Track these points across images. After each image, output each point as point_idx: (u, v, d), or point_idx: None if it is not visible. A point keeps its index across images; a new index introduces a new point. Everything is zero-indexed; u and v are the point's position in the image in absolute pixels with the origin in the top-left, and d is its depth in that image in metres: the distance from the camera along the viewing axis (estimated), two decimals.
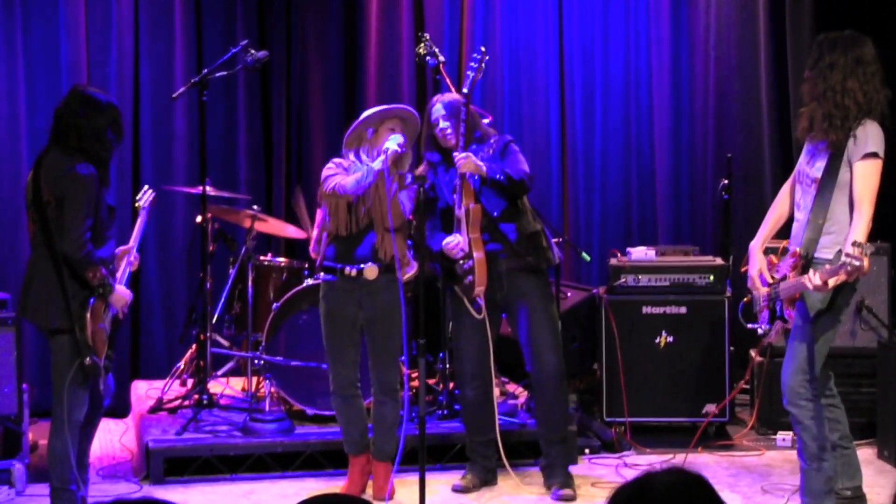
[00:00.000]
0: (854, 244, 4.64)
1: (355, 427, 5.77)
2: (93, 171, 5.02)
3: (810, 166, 5.11)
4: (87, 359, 5.02)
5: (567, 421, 6.02)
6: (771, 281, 5.21)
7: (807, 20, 7.90)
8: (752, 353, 6.93)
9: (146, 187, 5.74)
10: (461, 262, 5.75)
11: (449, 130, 5.82)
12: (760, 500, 5.85)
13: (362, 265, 5.60)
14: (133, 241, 5.41)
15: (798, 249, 5.05)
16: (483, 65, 5.76)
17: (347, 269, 5.60)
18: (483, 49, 5.81)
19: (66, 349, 5.05)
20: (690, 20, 8.43)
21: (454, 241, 5.74)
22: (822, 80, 5.02)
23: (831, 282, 4.78)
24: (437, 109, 5.89)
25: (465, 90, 5.75)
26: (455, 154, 5.69)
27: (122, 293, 5.20)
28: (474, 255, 5.70)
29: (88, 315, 5.03)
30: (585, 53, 8.39)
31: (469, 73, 5.77)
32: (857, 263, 4.60)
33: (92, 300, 5.05)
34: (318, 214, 6.76)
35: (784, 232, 5.37)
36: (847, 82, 4.97)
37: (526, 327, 5.80)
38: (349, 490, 5.73)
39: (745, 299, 5.53)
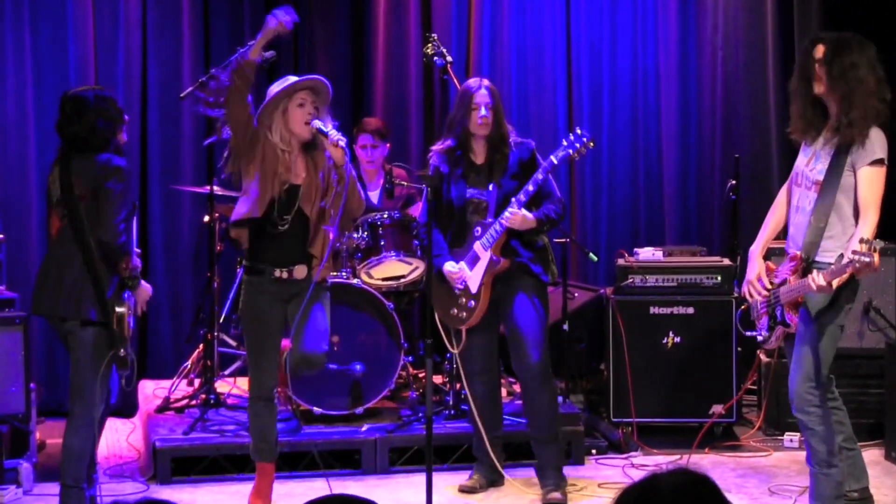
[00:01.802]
0: (862, 241, 4.62)
1: (272, 432, 5.57)
2: (125, 164, 5.17)
3: (810, 168, 5.10)
4: (122, 350, 5.06)
5: (555, 421, 5.87)
6: (770, 286, 5.19)
7: (815, 20, 7.88)
8: (759, 353, 6.93)
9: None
10: (461, 298, 5.69)
11: (490, 118, 5.61)
12: (767, 502, 5.84)
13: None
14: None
15: (798, 253, 5.03)
16: (585, 150, 5.53)
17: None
18: (593, 140, 5.57)
19: (94, 342, 5.07)
20: (698, 20, 8.42)
21: (458, 274, 5.66)
22: (851, 81, 4.96)
23: (835, 282, 4.77)
24: (483, 94, 5.64)
25: (553, 159, 5.56)
26: (507, 212, 5.52)
27: (145, 286, 5.26)
28: (481, 299, 5.64)
29: (124, 308, 5.08)
30: (593, 53, 8.38)
31: (569, 150, 5.54)
32: (866, 260, 4.56)
33: (126, 293, 5.10)
34: None
35: (784, 234, 5.37)
36: (869, 83, 4.95)
37: (513, 323, 5.71)
38: (262, 500, 5.61)
39: (743, 307, 5.51)
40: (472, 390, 5.89)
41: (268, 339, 5.43)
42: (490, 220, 5.64)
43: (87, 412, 5.12)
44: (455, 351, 5.70)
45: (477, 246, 5.65)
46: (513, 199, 5.56)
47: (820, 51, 5.06)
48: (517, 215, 5.52)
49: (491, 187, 5.67)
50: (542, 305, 5.76)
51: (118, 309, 5.07)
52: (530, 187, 5.55)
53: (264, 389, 5.48)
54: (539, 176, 5.56)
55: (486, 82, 5.72)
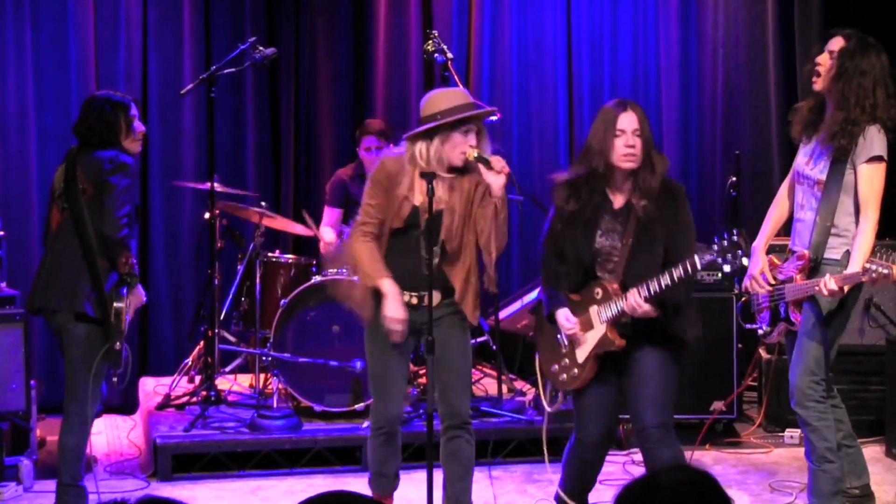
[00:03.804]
0: (875, 254, 4.68)
1: (392, 464, 5.13)
2: (132, 161, 5.18)
3: (811, 167, 5.10)
4: (118, 343, 5.05)
5: None
6: (773, 282, 5.20)
7: (815, 18, 7.89)
8: (760, 350, 6.93)
9: None
10: (565, 359, 4.86)
11: (638, 150, 4.62)
12: (768, 498, 5.84)
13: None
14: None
15: (806, 252, 5.04)
16: (738, 264, 4.55)
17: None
18: (746, 255, 4.68)
19: (87, 338, 5.07)
20: (699, 18, 8.42)
21: (571, 330, 4.76)
22: (854, 86, 4.94)
23: (846, 288, 4.79)
24: (628, 120, 4.64)
25: (697, 260, 4.50)
26: (632, 300, 4.58)
27: (140, 292, 5.25)
28: (586, 370, 4.79)
29: (123, 304, 5.08)
30: (594, 50, 8.38)
31: (717, 259, 4.52)
32: (884, 272, 4.66)
33: (124, 289, 5.10)
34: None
35: (785, 229, 5.37)
36: (877, 93, 4.95)
37: (634, 382, 4.80)
38: None
39: (743, 299, 5.52)
40: (577, 453, 5.00)
41: (395, 364, 4.94)
42: (615, 286, 4.69)
43: (82, 410, 5.12)
44: (549, 409, 5.06)
45: (593, 311, 4.75)
46: (638, 290, 4.59)
47: (837, 44, 5.03)
48: (638, 308, 4.59)
49: (622, 243, 4.72)
50: (671, 364, 4.82)
51: (116, 304, 5.08)
52: (666, 280, 4.54)
53: (389, 420, 4.97)
54: (677, 273, 4.52)
55: (631, 102, 4.77)
